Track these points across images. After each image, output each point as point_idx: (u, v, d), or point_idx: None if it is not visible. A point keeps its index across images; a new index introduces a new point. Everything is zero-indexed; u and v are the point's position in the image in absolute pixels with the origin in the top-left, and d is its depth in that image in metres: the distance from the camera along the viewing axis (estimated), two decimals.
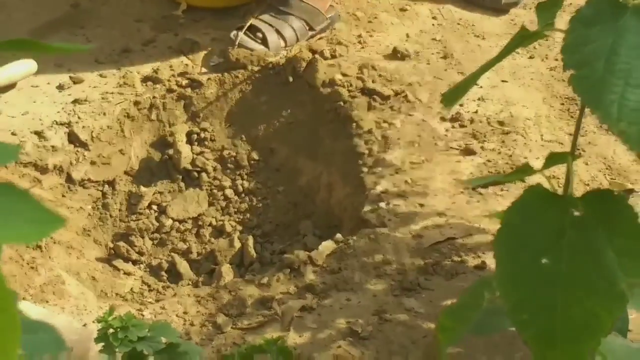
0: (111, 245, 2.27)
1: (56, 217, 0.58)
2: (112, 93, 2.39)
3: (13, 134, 2.25)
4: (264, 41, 2.52)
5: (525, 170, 0.79)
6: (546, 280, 0.70)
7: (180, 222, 2.33)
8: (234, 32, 2.53)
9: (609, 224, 0.71)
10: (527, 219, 0.72)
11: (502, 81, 2.49)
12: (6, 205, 0.57)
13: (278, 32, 2.55)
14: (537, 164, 2.24)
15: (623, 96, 0.66)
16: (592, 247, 0.71)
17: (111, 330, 1.40)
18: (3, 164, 0.63)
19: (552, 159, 0.79)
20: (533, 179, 1.11)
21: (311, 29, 2.60)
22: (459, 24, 2.72)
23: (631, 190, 2.16)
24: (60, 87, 2.39)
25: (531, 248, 0.71)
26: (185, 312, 1.86)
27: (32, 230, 0.59)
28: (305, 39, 2.59)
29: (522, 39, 0.82)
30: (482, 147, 2.27)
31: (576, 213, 0.71)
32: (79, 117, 2.30)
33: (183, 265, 2.23)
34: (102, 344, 1.41)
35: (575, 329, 0.70)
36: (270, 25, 2.55)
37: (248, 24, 2.53)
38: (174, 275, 2.23)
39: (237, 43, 2.49)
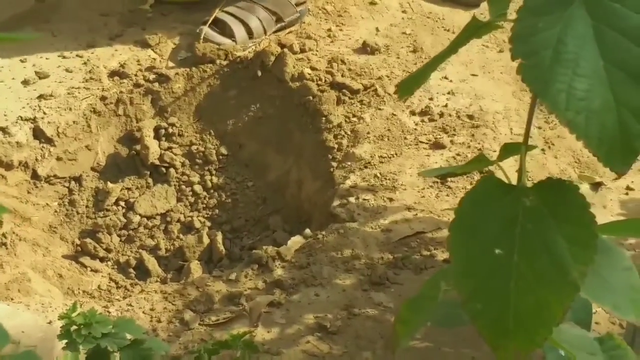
0: (78, 242, 2.24)
1: None
2: (78, 88, 2.36)
3: None
4: (230, 34, 2.51)
5: (480, 160, 0.79)
6: (499, 269, 0.70)
7: (148, 218, 2.31)
8: (200, 26, 2.51)
9: (560, 212, 0.71)
10: (481, 208, 0.71)
11: (472, 75, 2.50)
12: None
13: (243, 23, 2.53)
14: (500, 169, 2.25)
15: (570, 85, 0.66)
16: (543, 236, 0.70)
17: (74, 327, 1.39)
18: None
19: (507, 150, 0.79)
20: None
21: (279, 19, 2.59)
22: (428, 17, 2.72)
23: (600, 184, 2.17)
24: (25, 82, 2.36)
25: (484, 238, 0.71)
26: (152, 309, 1.84)
27: None
28: (273, 30, 2.57)
29: (475, 29, 0.81)
30: (451, 141, 2.27)
31: (528, 203, 0.71)
32: (44, 113, 2.28)
33: (151, 262, 2.22)
34: (66, 340, 1.39)
35: (527, 317, 0.70)
36: (235, 17, 2.54)
37: (212, 18, 2.52)
38: (142, 272, 2.21)
39: (202, 37, 2.47)
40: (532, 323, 0.70)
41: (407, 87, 0.77)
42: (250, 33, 2.53)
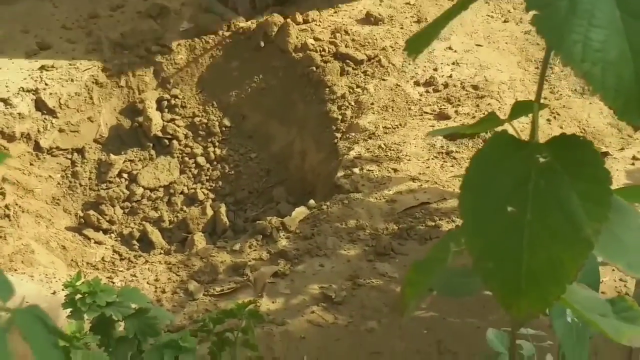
0: (81, 214, 2.23)
1: None
2: (80, 59, 2.34)
3: None
4: (233, 5, 2.48)
5: (491, 119, 0.77)
6: (511, 227, 0.68)
7: (152, 190, 2.30)
8: None
9: (574, 169, 0.69)
10: (492, 166, 0.70)
11: (477, 45, 2.47)
12: None
13: None
14: (510, 128, 2.23)
15: (587, 36, 0.64)
16: (557, 193, 0.69)
17: (79, 296, 1.38)
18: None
19: (519, 109, 0.77)
20: None
21: None
22: None
23: (606, 153, 2.15)
24: (27, 54, 2.35)
25: (496, 195, 0.69)
26: (156, 280, 1.84)
27: None
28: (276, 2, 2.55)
29: None
30: (456, 112, 2.25)
31: (542, 159, 0.70)
32: (46, 84, 2.26)
33: (155, 234, 2.21)
34: (70, 309, 1.38)
35: (540, 275, 0.68)
36: None
37: None
38: (146, 244, 2.21)
39: (203, 1, 2.45)
40: (545, 281, 0.69)
41: (416, 44, 0.75)
42: (253, 4, 2.50)
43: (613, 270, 1.78)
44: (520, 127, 0.84)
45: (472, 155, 0.68)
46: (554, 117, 2.24)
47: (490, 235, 0.70)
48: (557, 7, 0.65)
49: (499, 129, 0.76)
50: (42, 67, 2.30)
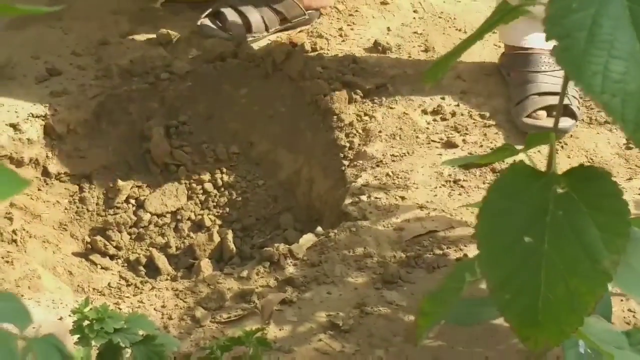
0: (88, 239, 2.24)
1: (19, 179, 0.56)
2: (90, 85, 2.36)
3: None
4: (224, 25, 2.49)
5: (505, 149, 0.78)
6: (529, 258, 0.68)
7: (159, 216, 2.30)
8: (200, 20, 2.51)
9: (592, 200, 0.69)
10: (510, 196, 0.70)
11: (485, 75, 2.48)
12: None
13: (242, 15, 2.51)
14: (519, 156, 2.23)
15: (606, 67, 0.65)
16: (575, 224, 0.69)
17: (87, 322, 1.38)
18: (9, 196, 0.61)
19: (534, 139, 0.77)
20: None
21: (284, 19, 2.57)
22: (440, 17, 2.70)
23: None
24: (37, 79, 2.36)
25: (514, 226, 0.69)
26: (163, 306, 1.83)
27: None
28: (276, 28, 2.56)
29: (503, 13, 0.80)
30: (463, 140, 2.26)
31: (559, 190, 0.69)
32: (55, 110, 2.27)
33: (161, 260, 2.21)
34: (78, 335, 1.38)
35: (558, 308, 0.68)
36: (234, 9, 2.52)
37: (212, 10, 2.51)
38: (152, 270, 2.20)
39: (199, 27, 2.47)
40: (562, 313, 0.68)
41: (433, 73, 0.76)
42: (249, 28, 2.50)
43: (622, 300, 1.77)
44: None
45: (489, 185, 0.68)
46: (562, 147, 2.24)
47: (507, 266, 0.70)
48: (576, 38, 0.66)
49: (515, 159, 0.76)
50: (52, 93, 2.31)
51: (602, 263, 0.68)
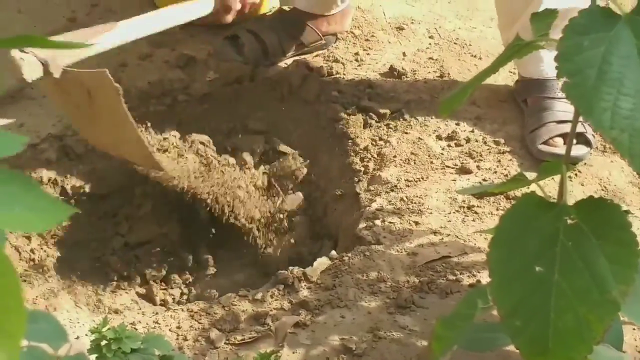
0: (106, 259, 2.26)
1: (63, 207, 0.59)
2: None
3: None
4: (241, 49, 2.51)
5: (519, 180, 0.80)
6: (539, 287, 0.70)
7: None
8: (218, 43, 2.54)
9: (602, 231, 0.71)
10: (521, 225, 0.72)
11: (500, 101, 2.50)
12: (12, 192, 0.57)
13: (259, 39, 2.52)
14: (539, 188, 2.24)
15: (615, 104, 0.67)
16: (584, 255, 0.71)
17: (104, 342, 1.40)
18: (7, 154, 0.64)
19: (547, 169, 0.79)
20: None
21: (301, 44, 2.59)
22: (455, 43, 2.73)
23: (627, 212, 2.16)
24: None
25: (525, 255, 0.71)
26: (178, 327, 1.85)
27: (37, 218, 0.59)
28: (293, 53, 2.58)
29: (518, 48, 0.82)
30: (478, 167, 2.27)
31: (569, 221, 0.71)
32: (73, 130, 2.30)
33: (177, 280, 2.22)
34: (96, 355, 1.40)
35: (567, 335, 0.70)
36: (252, 33, 2.53)
37: (228, 33, 2.53)
38: (168, 289, 2.22)
39: (217, 50, 2.50)
40: (571, 341, 0.70)
41: (449, 104, 0.78)
42: (266, 52, 2.52)
43: (634, 329, 1.78)
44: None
45: (502, 215, 0.70)
46: (575, 175, 2.25)
47: (518, 293, 0.72)
48: (586, 75, 0.68)
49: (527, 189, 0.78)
50: None
51: (610, 293, 0.69)
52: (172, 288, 2.22)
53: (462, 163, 2.28)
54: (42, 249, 2.14)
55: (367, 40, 2.70)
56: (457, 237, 2.06)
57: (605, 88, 0.67)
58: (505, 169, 2.27)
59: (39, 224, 0.59)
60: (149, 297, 2.19)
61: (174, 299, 2.19)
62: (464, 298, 0.77)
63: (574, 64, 0.66)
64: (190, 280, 2.25)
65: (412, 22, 2.80)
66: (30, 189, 0.59)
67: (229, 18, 2.24)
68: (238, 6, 2.22)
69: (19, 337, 0.55)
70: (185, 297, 2.19)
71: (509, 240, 0.73)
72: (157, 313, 2.00)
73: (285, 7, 2.65)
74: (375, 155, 2.30)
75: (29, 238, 2.13)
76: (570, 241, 0.71)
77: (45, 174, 2.24)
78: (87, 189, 2.31)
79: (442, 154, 2.31)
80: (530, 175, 2.19)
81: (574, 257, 0.71)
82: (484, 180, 2.23)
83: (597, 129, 0.65)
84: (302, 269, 1.98)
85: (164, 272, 2.25)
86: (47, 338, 0.77)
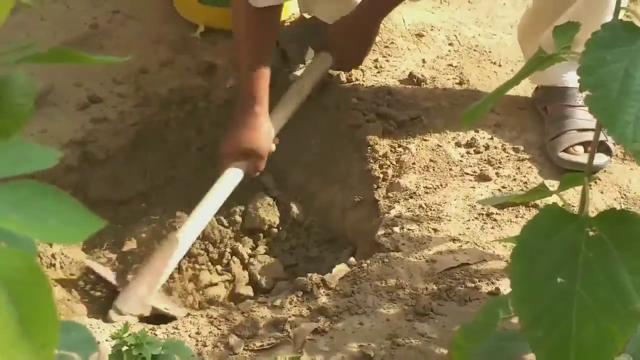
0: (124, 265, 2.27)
1: (94, 219, 0.60)
2: (129, 113, 2.41)
3: None
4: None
5: (540, 191, 0.80)
6: (561, 298, 0.71)
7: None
8: None
9: (623, 243, 0.71)
10: (543, 237, 0.72)
11: (519, 108, 2.50)
12: (47, 205, 0.59)
13: (278, 45, 2.52)
14: (560, 199, 2.24)
15: (638, 117, 0.67)
16: (606, 266, 0.71)
17: (125, 347, 1.41)
18: (41, 168, 0.66)
19: (568, 181, 0.80)
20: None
21: None
22: (475, 50, 2.73)
23: None
24: (78, 107, 2.41)
25: (547, 266, 0.72)
26: (197, 333, 1.86)
27: (70, 230, 0.60)
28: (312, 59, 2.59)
29: (540, 61, 0.83)
30: (497, 174, 2.27)
31: (591, 232, 0.72)
32: (95, 137, 2.32)
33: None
34: None
35: (589, 347, 0.70)
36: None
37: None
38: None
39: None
40: (593, 352, 0.70)
41: (470, 116, 0.78)
42: (285, 58, 2.54)
43: None
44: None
45: (523, 226, 0.70)
46: (595, 182, 2.25)
47: (540, 304, 0.73)
48: (609, 89, 0.68)
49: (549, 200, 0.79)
50: (92, 120, 2.36)
51: (632, 304, 0.70)
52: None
53: (481, 170, 2.28)
54: (62, 253, 2.16)
55: (386, 47, 2.71)
56: (476, 244, 2.06)
57: (628, 101, 0.67)
58: (524, 177, 2.26)
59: (72, 236, 0.61)
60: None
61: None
62: (485, 307, 0.77)
63: (596, 77, 0.66)
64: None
65: (432, 29, 2.81)
66: (63, 201, 0.60)
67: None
68: (263, 163, 2.25)
69: (52, 348, 0.56)
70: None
71: (530, 251, 0.73)
72: (176, 318, 2.01)
73: (306, 15, 2.66)
74: (394, 162, 2.31)
75: (50, 243, 2.15)
76: (592, 253, 0.71)
77: (67, 180, 2.26)
78: (107, 195, 2.32)
79: (461, 161, 2.31)
80: (551, 183, 2.21)
81: (595, 268, 0.71)
82: (503, 187, 2.23)
83: (620, 142, 0.65)
84: (320, 276, 1.98)
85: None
86: (77, 347, 0.79)
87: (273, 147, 2.26)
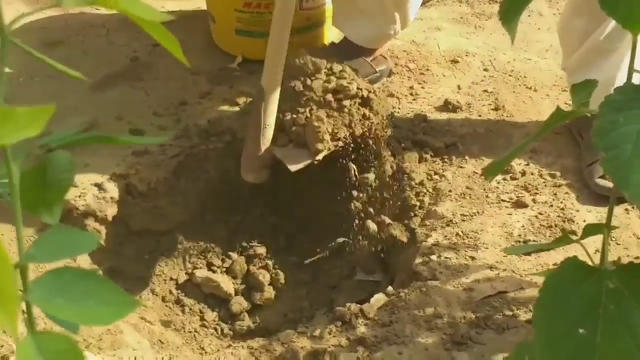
0: (167, 294, 2.31)
1: (130, 300, 0.64)
2: (170, 145, 2.45)
3: (74, 186, 2.32)
4: None
5: (564, 238, 0.83)
6: (582, 348, 0.73)
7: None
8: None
9: None
10: (564, 289, 0.74)
11: (555, 133, 2.50)
12: (86, 288, 0.64)
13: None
14: (589, 216, 2.23)
15: None
16: (626, 318, 0.73)
17: None
18: (83, 252, 0.71)
19: (589, 230, 0.82)
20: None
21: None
22: (510, 75, 2.74)
23: None
24: None
25: (568, 317, 0.74)
26: None
27: (108, 312, 0.65)
28: None
29: (558, 117, 0.85)
30: (533, 200, 2.28)
31: (611, 285, 0.74)
32: (137, 169, 2.37)
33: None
34: None
35: None
36: None
37: None
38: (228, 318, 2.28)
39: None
40: None
41: (493, 170, 0.81)
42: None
43: None
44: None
45: (545, 278, 0.73)
46: (632, 207, 2.24)
47: (562, 354, 0.75)
48: (622, 150, 0.70)
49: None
50: (134, 153, 2.41)
51: None
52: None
53: (517, 197, 2.29)
54: None
55: (422, 73, 2.73)
56: (514, 272, 2.07)
57: None
58: (561, 202, 2.27)
59: (109, 317, 0.65)
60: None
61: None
62: (512, 354, 0.79)
63: (610, 139, 0.69)
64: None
65: (467, 55, 2.83)
66: (101, 284, 0.64)
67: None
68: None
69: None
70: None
71: (553, 302, 0.75)
72: (218, 350, 2.05)
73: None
74: (431, 190, 2.33)
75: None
76: (612, 304, 0.73)
77: (110, 212, 2.31)
78: (149, 226, 2.37)
79: (497, 187, 2.33)
80: (588, 209, 2.21)
81: (616, 320, 0.73)
82: (540, 214, 2.23)
83: (633, 202, 0.68)
84: (359, 305, 2.01)
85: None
86: None
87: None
